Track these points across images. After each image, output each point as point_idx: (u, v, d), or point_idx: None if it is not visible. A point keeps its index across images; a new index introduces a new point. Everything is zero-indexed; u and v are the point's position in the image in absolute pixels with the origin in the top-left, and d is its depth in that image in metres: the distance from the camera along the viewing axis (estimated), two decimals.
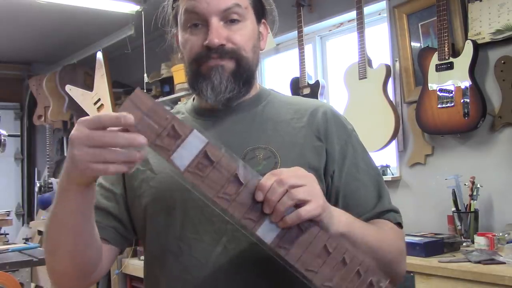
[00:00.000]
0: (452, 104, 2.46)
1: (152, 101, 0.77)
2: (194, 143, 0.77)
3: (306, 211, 0.78)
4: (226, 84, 0.98)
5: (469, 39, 2.44)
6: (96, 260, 0.96)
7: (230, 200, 0.78)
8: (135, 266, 3.49)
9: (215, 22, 0.96)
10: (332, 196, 1.01)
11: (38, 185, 4.72)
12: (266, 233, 0.78)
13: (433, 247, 2.21)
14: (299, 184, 0.79)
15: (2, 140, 2.57)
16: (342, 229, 0.85)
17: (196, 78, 1.00)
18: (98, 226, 0.94)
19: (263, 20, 1.07)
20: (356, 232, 0.89)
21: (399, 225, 1.05)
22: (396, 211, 1.05)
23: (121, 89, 4.88)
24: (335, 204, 0.99)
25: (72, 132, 0.77)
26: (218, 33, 0.96)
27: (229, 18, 0.98)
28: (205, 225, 0.95)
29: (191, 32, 0.99)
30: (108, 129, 0.76)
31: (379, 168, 2.90)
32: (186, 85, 1.08)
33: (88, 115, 4.56)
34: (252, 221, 0.78)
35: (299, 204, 0.78)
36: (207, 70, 0.98)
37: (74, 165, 0.77)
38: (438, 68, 2.51)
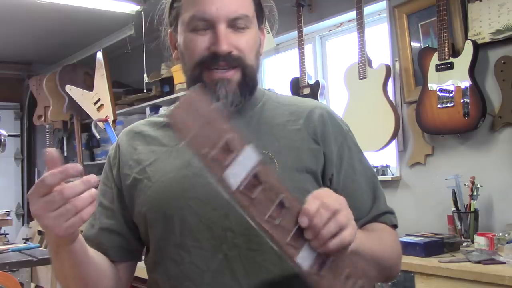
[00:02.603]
0: (452, 104, 2.46)
1: (210, 107, 0.68)
2: (248, 159, 0.70)
3: (348, 238, 0.76)
4: (232, 98, 0.97)
5: (469, 39, 2.44)
6: (111, 285, 0.99)
7: (275, 224, 0.72)
8: None
9: (223, 28, 0.95)
10: None
11: None
12: (305, 259, 0.74)
13: (433, 247, 2.21)
14: (340, 209, 0.77)
15: (2, 140, 2.57)
16: (353, 245, 0.85)
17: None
18: (105, 249, 0.97)
19: (262, 26, 1.07)
20: (365, 246, 0.89)
21: (395, 226, 1.06)
22: (391, 213, 1.06)
23: (121, 89, 4.88)
24: None
25: (30, 208, 0.78)
26: (227, 39, 0.95)
27: (236, 26, 0.97)
28: (204, 232, 0.95)
29: (195, 33, 0.97)
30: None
31: (378, 168, 2.93)
32: (186, 85, 1.07)
33: (88, 115, 4.58)
34: (293, 247, 0.73)
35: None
36: (212, 82, 0.97)
37: (53, 233, 0.78)
38: (438, 68, 2.51)
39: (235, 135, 0.69)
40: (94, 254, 0.97)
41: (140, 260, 1.11)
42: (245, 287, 0.93)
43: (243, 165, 0.70)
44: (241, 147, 0.70)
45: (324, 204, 0.75)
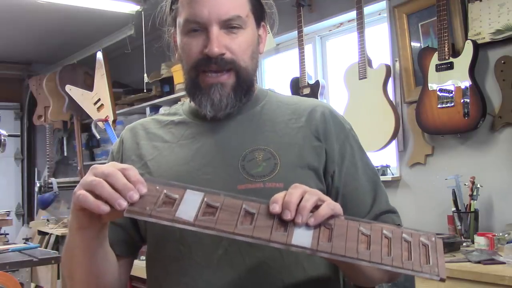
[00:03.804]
0: (452, 104, 2.46)
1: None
2: (192, 198, 0.77)
3: (328, 207, 0.76)
4: (227, 101, 0.99)
5: (469, 39, 2.44)
6: (112, 281, 0.98)
7: (250, 229, 0.75)
8: (135, 266, 3.48)
9: (216, 30, 0.96)
10: (332, 196, 1.01)
11: (38, 185, 4.72)
12: (301, 238, 0.74)
13: None
14: (308, 189, 0.78)
15: (2, 140, 2.57)
16: None
17: (195, 89, 1.01)
18: (109, 243, 0.95)
19: (262, 23, 1.06)
20: None
21: (398, 226, 1.05)
22: (393, 212, 1.06)
23: (121, 89, 4.88)
24: None
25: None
26: (218, 41, 0.95)
27: (229, 27, 0.97)
28: None
29: (190, 36, 0.99)
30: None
31: (379, 168, 2.92)
32: (185, 88, 1.07)
33: (88, 115, 4.58)
34: (282, 234, 0.74)
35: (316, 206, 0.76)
36: (206, 86, 0.99)
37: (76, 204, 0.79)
38: (438, 68, 2.51)
39: (169, 189, 0.78)
40: (107, 249, 0.97)
41: (137, 257, 1.11)
42: (246, 281, 0.93)
43: (189, 203, 0.77)
44: (180, 194, 0.78)
45: (290, 191, 0.77)
